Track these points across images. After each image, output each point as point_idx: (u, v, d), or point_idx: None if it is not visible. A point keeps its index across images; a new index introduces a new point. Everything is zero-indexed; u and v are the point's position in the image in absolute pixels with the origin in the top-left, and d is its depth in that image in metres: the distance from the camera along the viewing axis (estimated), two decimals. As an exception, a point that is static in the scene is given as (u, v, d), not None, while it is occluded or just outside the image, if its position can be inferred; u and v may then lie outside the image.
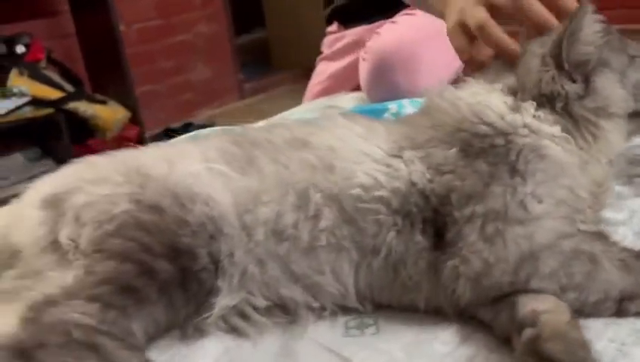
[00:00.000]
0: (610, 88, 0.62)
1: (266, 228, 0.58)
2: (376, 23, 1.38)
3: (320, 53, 1.62)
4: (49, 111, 2.56)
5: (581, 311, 0.52)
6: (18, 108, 2.49)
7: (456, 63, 0.93)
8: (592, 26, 0.61)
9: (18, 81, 2.54)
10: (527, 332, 0.47)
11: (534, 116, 0.60)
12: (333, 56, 1.54)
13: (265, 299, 0.58)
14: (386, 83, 1.22)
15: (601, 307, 0.52)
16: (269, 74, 4.22)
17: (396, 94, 1.17)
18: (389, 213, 0.57)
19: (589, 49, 0.61)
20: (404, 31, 1.26)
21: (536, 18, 0.66)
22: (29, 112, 2.52)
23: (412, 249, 0.57)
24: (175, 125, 3.20)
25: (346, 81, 1.48)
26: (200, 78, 3.67)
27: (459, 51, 0.74)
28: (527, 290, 0.52)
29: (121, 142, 2.62)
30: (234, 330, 0.58)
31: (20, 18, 2.71)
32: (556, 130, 0.60)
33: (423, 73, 1.19)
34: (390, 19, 1.35)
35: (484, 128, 0.60)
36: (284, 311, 0.59)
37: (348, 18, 1.53)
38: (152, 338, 0.56)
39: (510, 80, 0.64)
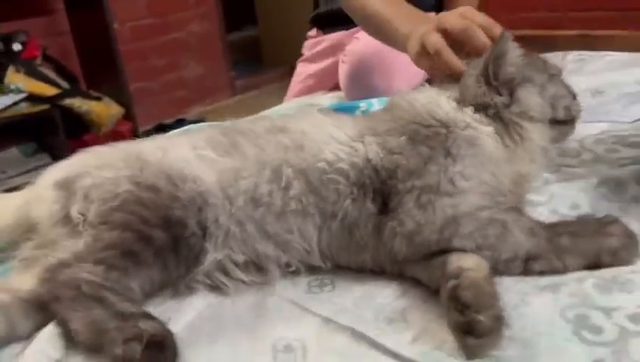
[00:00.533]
0: (530, 97, 0.77)
1: (245, 197, 0.71)
2: (354, 29, 1.50)
3: None
4: (45, 107, 2.63)
5: (495, 269, 0.64)
6: (15, 104, 2.56)
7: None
8: (512, 51, 0.75)
9: (15, 78, 2.61)
10: (451, 283, 0.59)
11: (473, 118, 0.75)
12: (313, 59, 1.66)
13: (243, 255, 0.71)
14: (364, 84, 1.35)
15: (511, 265, 0.65)
16: (260, 71, 4.31)
17: (372, 95, 1.29)
18: (347, 184, 0.70)
19: (511, 69, 0.76)
20: None
21: (478, 43, 0.82)
22: (25, 108, 2.59)
23: (363, 214, 0.70)
24: (168, 121, 3.31)
25: (324, 81, 1.61)
26: (192, 75, 3.76)
27: (426, 70, 0.91)
28: (450, 248, 0.64)
29: (114, 137, 2.72)
30: (217, 288, 0.71)
31: (17, 16, 2.79)
32: (489, 129, 0.74)
33: (397, 76, 1.32)
34: None
35: (431, 121, 0.73)
36: (258, 269, 0.71)
37: (328, 24, 1.64)
38: (148, 295, 0.68)
39: (455, 92, 0.79)
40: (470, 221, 0.65)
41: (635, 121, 0.79)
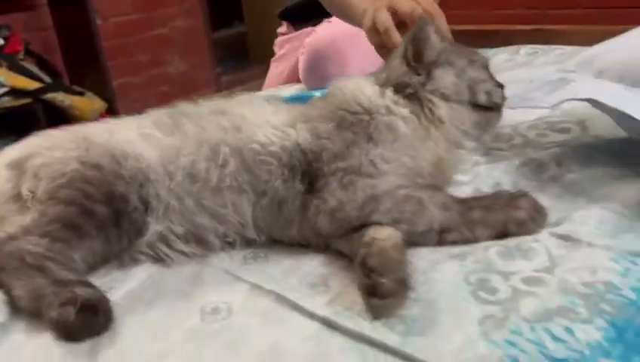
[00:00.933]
0: (445, 76, 0.82)
1: (183, 172, 0.76)
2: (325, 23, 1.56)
3: None
4: (27, 101, 2.66)
5: (412, 241, 0.70)
6: (-4, 98, 2.61)
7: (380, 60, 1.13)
8: (428, 34, 0.82)
9: (-3, 72, 2.65)
10: (362, 251, 0.65)
11: (392, 100, 0.80)
12: (283, 59, 1.72)
13: (182, 226, 0.76)
14: (319, 74, 1.40)
15: (427, 237, 0.71)
16: (246, 67, 4.35)
17: (329, 84, 1.34)
18: (278, 166, 0.76)
19: (430, 51, 0.82)
20: (337, 28, 1.43)
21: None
22: (7, 102, 2.61)
23: (292, 192, 0.75)
24: (150, 115, 3.34)
25: (295, 78, 1.66)
26: (177, 71, 3.80)
27: (375, 47, 0.96)
28: (369, 223, 0.70)
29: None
30: (160, 260, 0.76)
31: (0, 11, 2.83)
32: (406, 111, 0.79)
33: (352, 66, 1.37)
34: (328, 19, 1.53)
35: (356, 108, 0.78)
36: (198, 241, 0.77)
37: (298, 19, 1.69)
38: (92, 266, 0.73)
39: (382, 74, 0.85)
40: (388, 199, 0.70)
41: (554, 106, 0.84)
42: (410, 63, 0.82)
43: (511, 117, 1.03)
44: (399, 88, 0.81)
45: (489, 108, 0.84)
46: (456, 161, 0.83)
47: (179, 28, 3.74)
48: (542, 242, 0.69)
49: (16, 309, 0.65)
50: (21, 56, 2.83)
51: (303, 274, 0.70)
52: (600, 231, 0.69)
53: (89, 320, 0.61)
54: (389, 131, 0.76)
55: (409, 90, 0.81)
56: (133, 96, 3.44)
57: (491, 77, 0.87)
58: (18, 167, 0.76)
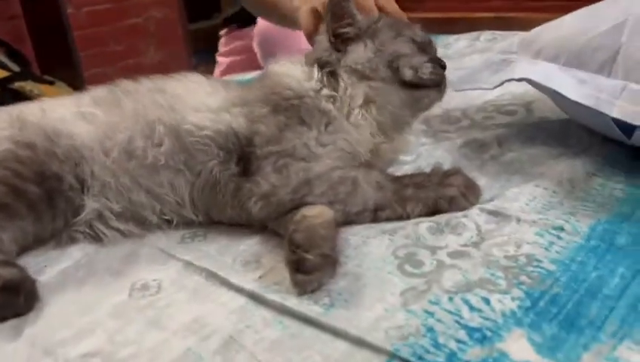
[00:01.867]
0: (360, 52, 0.79)
1: (119, 149, 0.76)
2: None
3: None
4: (-6, 89, 2.64)
5: (350, 220, 0.71)
6: (-37, 87, 2.57)
7: None
8: (347, 9, 0.80)
9: (-38, 61, 2.61)
10: (290, 228, 0.65)
11: (319, 81, 0.79)
12: (229, 53, 1.74)
13: (118, 204, 0.76)
14: (271, 56, 1.41)
15: (362, 216, 0.71)
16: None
17: None
18: (214, 147, 0.75)
19: (345, 26, 0.80)
20: None
21: (366, 8, 0.87)
22: (-26, 91, 2.60)
23: (226, 174, 0.75)
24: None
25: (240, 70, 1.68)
26: (151, 62, 3.76)
27: (306, 32, 0.93)
28: (304, 205, 0.70)
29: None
30: (97, 239, 0.76)
31: (-33, 0, 2.79)
32: (327, 91, 0.78)
33: (301, 48, 1.39)
34: None
35: (287, 93, 0.78)
36: (135, 219, 0.76)
37: (242, 23, 1.72)
38: (24, 247, 0.72)
39: (311, 53, 0.85)
40: (322, 182, 0.70)
41: (495, 87, 0.85)
42: (330, 39, 0.81)
43: (462, 100, 1.04)
44: (322, 66, 0.80)
45: (419, 85, 0.79)
46: (395, 146, 0.82)
47: (154, 18, 3.70)
48: (472, 218, 0.69)
49: None
50: (-10, 45, 2.79)
51: (238, 252, 0.70)
52: (529, 207, 0.70)
53: (11, 300, 0.61)
54: (322, 114, 0.76)
55: (329, 68, 0.80)
56: (106, 86, 3.40)
57: (423, 52, 0.82)
58: None
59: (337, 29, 0.80)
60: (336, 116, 0.77)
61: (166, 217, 0.77)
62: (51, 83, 2.90)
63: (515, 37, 0.90)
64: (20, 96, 2.72)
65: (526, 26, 1.59)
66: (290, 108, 0.76)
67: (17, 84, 2.73)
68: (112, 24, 3.50)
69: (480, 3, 2.84)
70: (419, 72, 0.78)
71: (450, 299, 0.56)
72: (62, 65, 3.03)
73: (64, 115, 0.78)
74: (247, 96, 0.80)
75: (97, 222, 0.75)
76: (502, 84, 0.85)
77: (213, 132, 0.75)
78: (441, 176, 0.73)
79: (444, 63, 0.83)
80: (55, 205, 0.72)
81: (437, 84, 0.81)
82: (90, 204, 0.75)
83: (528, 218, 0.68)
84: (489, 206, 0.71)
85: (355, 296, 0.59)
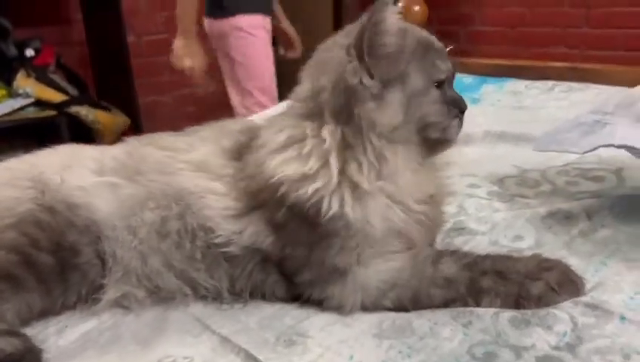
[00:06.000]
0: (393, 111, 0.63)
1: (150, 228, 0.67)
2: None
3: None
4: (51, 113, 2.67)
5: None
6: (22, 108, 2.61)
7: None
8: (392, 18, 0.62)
9: (24, 83, 2.66)
10: None
11: (327, 176, 0.62)
12: None
13: (144, 290, 0.67)
14: None
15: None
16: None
17: None
18: (248, 258, 0.66)
19: (391, 39, 0.62)
20: None
21: None
22: (32, 113, 2.63)
23: (270, 280, 0.67)
24: (174, 134, 3.33)
25: None
26: (205, 92, 3.78)
27: None
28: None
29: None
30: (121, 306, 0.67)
31: (35, 24, 2.86)
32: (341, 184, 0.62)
33: None
34: None
35: (299, 201, 0.63)
36: (162, 299, 0.67)
37: None
38: (27, 321, 0.64)
39: (306, 102, 0.66)
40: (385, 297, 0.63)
41: (585, 153, 0.74)
42: (363, 57, 0.62)
43: (539, 159, 0.93)
44: (337, 119, 0.63)
45: (442, 141, 0.68)
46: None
47: (210, 49, 3.73)
48: (564, 309, 0.58)
49: None
50: (52, 68, 2.85)
51: (282, 327, 0.61)
52: (635, 302, 0.58)
53: None
54: (341, 220, 0.62)
55: (347, 127, 0.62)
56: (159, 115, 3.42)
57: (451, 104, 0.67)
58: None
59: (376, 67, 0.62)
60: (354, 218, 0.62)
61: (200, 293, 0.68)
62: (107, 109, 2.93)
63: (611, 96, 0.79)
64: (75, 121, 2.76)
65: (599, 78, 1.48)
66: (307, 218, 0.62)
67: (74, 109, 2.77)
68: (168, 54, 3.55)
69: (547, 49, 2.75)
70: (445, 133, 0.67)
71: (545, 424, 0.45)
72: (119, 92, 3.07)
73: (84, 182, 0.70)
74: (259, 194, 0.66)
75: (122, 299, 0.67)
76: (595, 149, 0.73)
77: (242, 248, 0.66)
78: (533, 267, 0.61)
79: (465, 106, 0.69)
80: (67, 278, 0.65)
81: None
82: (111, 292, 0.66)
83: (636, 318, 0.55)
84: (585, 297, 0.59)
85: (423, 404, 0.48)
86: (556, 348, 0.53)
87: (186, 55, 2.08)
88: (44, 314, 0.65)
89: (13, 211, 0.66)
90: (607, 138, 0.72)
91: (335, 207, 0.60)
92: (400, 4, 1.70)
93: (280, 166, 0.62)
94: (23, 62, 2.71)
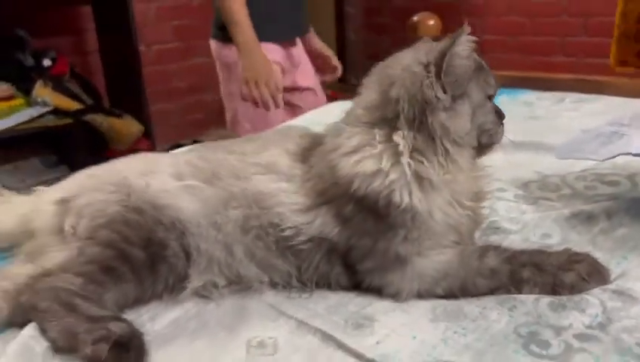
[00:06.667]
0: (463, 120, 0.73)
1: (234, 224, 0.76)
2: None
3: None
4: (68, 121, 2.73)
5: None
6: (40, 116, 2.67)
7: None
8: (466, 45, 0.73)
9: (42, 92, 2.71)
10: None
11: (399, 171, 0.71)
12: None
13: (225, 279, 0.76)
14: None
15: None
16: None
17: None
18: (314, 250, 0.75)
19: (463, 62, 0.73)
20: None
21: None
22: (50, 121, 2.68)
23: (334, 272, 0.76)
24: (184, 142, 3.40)
25: None
26: (212, 100, 3.87)
27: None
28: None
29: (133, 154, 2.81)
30: (203, 297, 0.76)
31: (48, 34, 2.94)
32: (413, 170, 0.71)
33: None
34: None
35: (364, 193, 0.72)
36: (241, 287, 0.76)
37: None
38: (122, 308, 0.72)
39: (381, 110, 0.75)
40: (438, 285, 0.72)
41: (605, 160, 0.84)
42: (440, 76, 0.72)
43: (558, 166, 1.03)
44: (410, 125, 0.72)
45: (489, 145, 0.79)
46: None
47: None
48: (594, 295, 0.67)
49: (54, 350, 0.65)
50: (66, 77, 2.92)
51: (348, 313, 0.70)
52: (656, 290, 0.67)
53: (121, 356, 0.61)
54: (408, 212, 0.71)
55: (420, 133, 0.72)
56: (169, 122, 3.50)
57: (498, 115, 0.79)
58: (64, 204, 0.78)
59: (450, 85, 0.72)
60: (421, 210, 0.71)
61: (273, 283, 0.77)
62: (119, 116, 3.00)
63: (627, 109, 0.89)
64: (91, 128, 2.83)
65: (607, 89, 1.59)
66: (376, 210, 0.72)
67: (89, 117, 2.84)
68: (177, 62, 3.63)
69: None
70: (494, 138, 0.78)
71: (588, 386, 0.54)
72: (130, 99, 3.14)
73: (167, 186, 0.78)
74: (324, 191, 0.75)
75: (203, 290, 0.76)
76: (614, 157, 0.83)
77: (309, 239, 0.75)
78: (565, 260, 0.71)
79: (504, 115, 0.80)
80: (157, 270, 0.73)
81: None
82: (195, 281, 0.75)
83: (657, 303, 0.65)
84: (612, 286, 0.69)
85: (483, 373, 0.58)
86: (590, 327, 0.63)
87: (252, 78, 1.61)
88: (136, 302, 0.73)
89: (104, 212, 0.74)
90: (625, 147, 0.81)
91: (406, 199, 0.70)
92: (415, 18, 1.80)
93: (354, 165, 0.72)
94: (40, 71, 2.78)
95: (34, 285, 0.69)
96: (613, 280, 0.70)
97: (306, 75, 1.92)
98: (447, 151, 0.73)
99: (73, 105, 2.79)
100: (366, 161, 0.72)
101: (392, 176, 0.71)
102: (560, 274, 0.69)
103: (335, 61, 1.95)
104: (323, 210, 0.74)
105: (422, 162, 0.72)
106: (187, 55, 3.64)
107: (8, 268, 0.77)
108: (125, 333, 0.63)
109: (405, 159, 0.71)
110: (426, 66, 0.73)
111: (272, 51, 1.72)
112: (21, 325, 0.68)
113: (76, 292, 0.67)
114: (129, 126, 3.01)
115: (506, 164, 1.03)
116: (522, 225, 0.86)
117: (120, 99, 3.17)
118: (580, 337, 0.61)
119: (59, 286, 0.68)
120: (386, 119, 0.74)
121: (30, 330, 0.66)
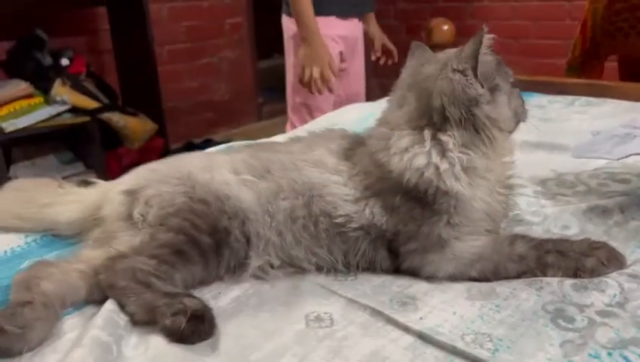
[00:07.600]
0: (505, 108, 0.85)
1: (284, 214, 0.85)
2: None
3: None
4: (85, 119, 2.79)
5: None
6: (59, 114, 2.74)
7: None
8: (489, 43, 0.83)
9: (61, 91, 2.77)
10: None
11: (448, 162, 0.81)
12: None
13: (279, 258, 0.84)
14: None
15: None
16: (284, 99, 4.48)
17: None
18: (363, 237, 0.84)
19: (489, 58, 0.83)
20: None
21: None
22: (67, 119, 2.74)
23: (379, 256, 0.85)
24: (196, 140, 3.48)
25: None
26: (221, 99, 3.95)
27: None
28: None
29: (147, 152, 2.89)
30: (259, 278, 0.84)
31: (66, 34, 3.01)
32: (461, 162, 0.81)
33: None
34: None
35: (414, 184, 0.82)
36: (293, 267, 0.85)
37: None
38: (188, 287, 0.79)
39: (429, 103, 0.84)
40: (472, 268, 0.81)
41: (619, 159, 0.92)
42: (476, 74, 0.81)
43: (572, 165, 1.12)
44: (455, 115, 0.81)
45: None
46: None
47: (227, 58, 3.89)
48: (613, 277, 0.76)
49: (132, 323, 0.73)
50: (83, 76, 2.99)
51: (392, 293, 0.78)
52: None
53: (197, 327, 0.70)
54: (451, 197, 0.80)
55: (466, 122, 0.81)
56: (180, 121, 3.58)
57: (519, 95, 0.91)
58: (132, 194, 0.86)
59: (485, 79, 0.82)
60: (466, 196, 0.81)
61: (320, 266, 0.86)
62: (134, 114, 3.07)
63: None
64: (106, 126, 2.91)
65: (616, 93, 1.67)
66: (423, 198, 0.81)
67: (106, 115, 2.90)
68: (188, 62, 3.71)
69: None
70: (522, 117, 0.90)
71: (609, 354, 0.62)
72: (144, 97, 3.20)
73: (228, 179, 0.87)
74: (375, 184, 0.84)
75: (259, 272, 0.84)
76: (627, 157, 0.92)
77: (359, 226, 0.84)
78: (586, 247, 0.80)
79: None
80: (222, 254, 0.81)
81: None
82: (255, 261, 0.83)
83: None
84: (628, 270, 0.77)
85: (516, 343, 0.66)
86: (609, 305, 0.71)
87: (309, 64, 1.74)
88: (201, 283, 0.82)
89: (172, 202, 0.83)
90: (637, 147, 0.90)
91: (454, 185, 0.80)
92: (430, 24, 1.88)
93: (406, 162, 0.82)
94: (58, 71, 2.85)
95: (111, 266, 0.77)
96: (629, 265, 0.79)
97: (357, 64, 2.05)
98: (493, 138, 0.82)
99: (90, 104, 2.86)
100: (417, 158, 0.81)
101: (443, 166, 0.80)
102: (582, 260, 0.78)
103: (390, 45, 2.08)
104: (372, 201, 0.83)
105: (468, 154, 0.81)
106: (197, 56, 3.72)
107: (81, 252, 0.85)
108: (199, 308, 0.72)
109: (453, 153, 0.81)
110: (462, 71, 0.82)
111: (332, 25, 1.83)
112: (99, 302, 0.76)
113: (151, 272, 0.75)
114: (143, 124, 3.08)
115: (522, 162, 1.11)
116: (543, 218, 0.95)
117: (134, 97, 3.24)
118: (602, 313, 0.70)
119: (136, 266, 0.76)
120: (432, 123, 0.83)
121: (110, 305, 0.74)
